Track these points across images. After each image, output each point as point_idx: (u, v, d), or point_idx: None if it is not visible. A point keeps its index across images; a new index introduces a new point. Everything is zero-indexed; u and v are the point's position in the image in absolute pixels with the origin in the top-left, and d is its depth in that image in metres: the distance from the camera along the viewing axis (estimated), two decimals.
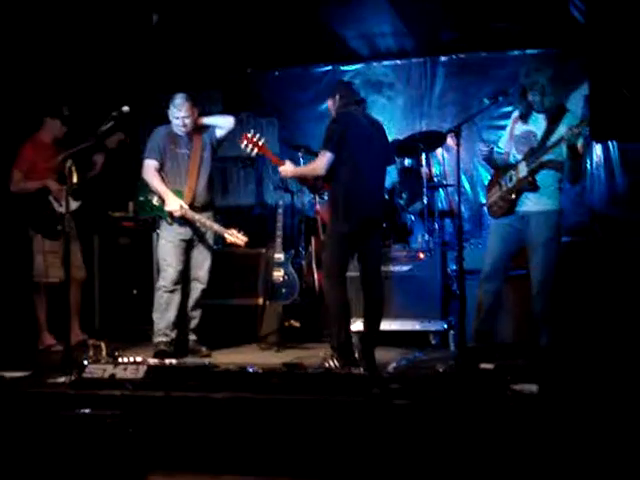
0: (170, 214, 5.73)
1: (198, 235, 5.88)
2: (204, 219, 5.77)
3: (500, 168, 5.24)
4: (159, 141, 5.87)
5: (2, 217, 6.55)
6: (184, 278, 5.88)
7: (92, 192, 6.53)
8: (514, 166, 5.06)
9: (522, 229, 5.04)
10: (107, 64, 7.47)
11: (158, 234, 5.93)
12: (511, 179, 5.07)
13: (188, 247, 5.88)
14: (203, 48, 7.55)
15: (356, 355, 5.08)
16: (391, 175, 5.42)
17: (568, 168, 4.88)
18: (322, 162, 5.07)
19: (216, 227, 5.79)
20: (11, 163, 6.29)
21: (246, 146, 5.60)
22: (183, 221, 5.77)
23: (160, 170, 5.84)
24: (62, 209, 6.19)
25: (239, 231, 5.70)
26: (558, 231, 5.03)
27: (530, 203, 4.99)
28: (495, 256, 5.14)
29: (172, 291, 5.79)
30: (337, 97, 5.30)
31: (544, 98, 4.95)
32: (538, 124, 5.04)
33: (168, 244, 5.82)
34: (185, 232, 5.83)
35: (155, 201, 5.84)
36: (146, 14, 6.78)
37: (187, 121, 5.79)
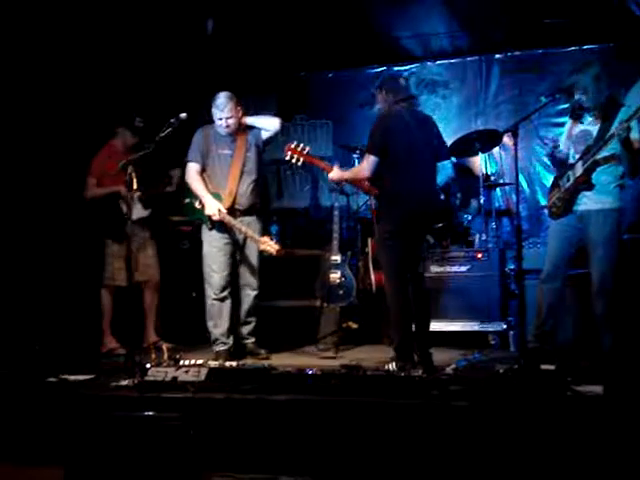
0: (209, 218, 5.67)
1: (243, 238, 5.79)
2: (239, 224, 5.64)
3: (560, 169, 5.20)
4: (201, 142, 5.80)
5: (78, 222, 6.70)
6: (234, 284, 5.84)
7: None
8: (572, 166, 5.03)
9: (582, 229, 4.99)
10: (169, 73, 7.58)
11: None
12: (569, 179, 5.05)
13: (234, 251, 5.81)
14: (257, 52, 7.60)
15: (415, 357, 5.06)
16: (446, 170, 5.35)
17: (626, 163, 4.83)
18: (366, 165, 5.07)
19: (250, 233, 5.63)
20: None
21: (291, 157, 5.57)
22: (224, 225, 5.71)
23: (204, 172, 5.79)
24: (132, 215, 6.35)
25: (272, 239, 5.59)
26: (618, 229, 4.96)
27: (589, 202, 4.95)
28: (555, 256, 5.10)
29: (222, 299, 5.75)
30: (384, 92, 5.22)
31: (588, 97, 4.92)
32: (593, 123, 5.00)
33: (212, 249, 5.75)
34: (229, 236, 5.75)
35: (197, 204, 5.79)
36: (201, 21, 6.87)
37: (230, 122, 5.70)
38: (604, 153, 4.87)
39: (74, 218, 6.67)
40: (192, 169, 5.79)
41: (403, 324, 5.01)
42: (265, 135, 5.91)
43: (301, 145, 5.60)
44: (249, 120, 5.91)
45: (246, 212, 5.81)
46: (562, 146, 5.28)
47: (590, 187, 4.93)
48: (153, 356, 5.03)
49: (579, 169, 4.97)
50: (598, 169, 4.91)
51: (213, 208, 5.62)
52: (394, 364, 4.89)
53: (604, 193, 4.93)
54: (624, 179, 4.96)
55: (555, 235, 5.17)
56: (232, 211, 5.70)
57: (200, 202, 5.74)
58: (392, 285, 5.06)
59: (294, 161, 5.59)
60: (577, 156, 5.04)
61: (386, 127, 5.08)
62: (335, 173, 5.40)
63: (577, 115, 5.10)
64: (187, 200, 5.92)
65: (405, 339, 4.99)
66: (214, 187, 5.75)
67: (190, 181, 5.79)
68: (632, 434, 3.32)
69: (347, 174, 5.46)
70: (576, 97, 5.00)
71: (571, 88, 4.99)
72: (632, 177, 5.06)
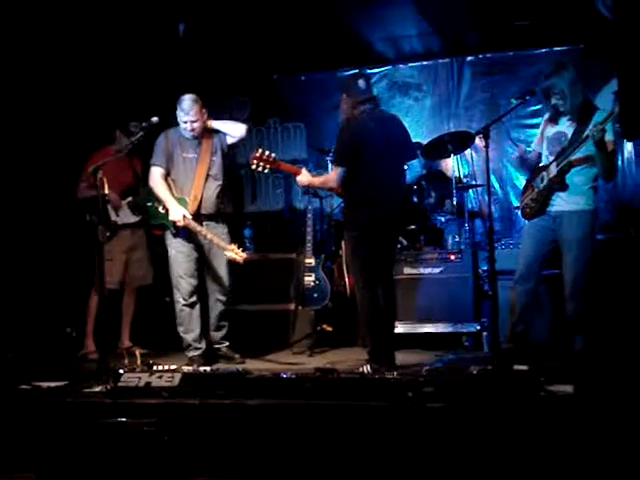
0: (174, 224, 5.55)
1: (209, 243, 5.65)
2: (205, 231, 5.52)
3: (533, 170, 5.23)
4: (165, 146, 5.66)
5: (53, 227, 6.74)
6: (202, 288, 5.76)
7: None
8: (546, 167, 5.06)
9: (555, 229, 5.03)
10: (141, 77, 7.57)
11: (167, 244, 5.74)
12: (542, 180, 5.08)
13: (201, 256, 5.70)
14: (230, 55, 7.58)
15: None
16: (414, 168, 5.35)
17: (600, 164, 4.87)
18: (335, 176, 5.06)
19: (216, 240, 5.47)
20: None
21: (257, 166, 5.37)
22: (189, 230, 5.57)
23: (168, 176, 5.68)
24: (118, 219, 6.32)
25: (239, 247, 5.44)
26: (592, 230, 5.00)
27: (563, 203, 4.99)
28: (528, 257, 5.13)
29: (191, 304, 5.66)
30: (344, 96, 5.16)
31: (565, 101, 4.97)
32: (568, 125, 5.03)
33: (178, 255, 5.65)
34: (195, 241, 5.64)
35: (161, 209, 5.67)
36: (173, 25, 6.83)
37: (195, 125, 5.58)
38: (578, 154, 4.91)
39: (53, 225, 6.63)
40: (156, 173, 5.65)
41: (374, 328, 5.03)
42: (230, 140, 5.81)
43: (266, 152, 5.38)
44: (215, 124, 5.80)
45: (211, 217, 5.71)
46: (534, 146, 5.32)
47: (564, 188, 4.97)
48: (126, 362, 4.99)
49: (553, 170, 5.00)
50: (572, 170, 4.95)
51: (177, 214, 5.49)
52: (368, 367, 4.92)
53: (578, 194, 4.97)
54: (597, 181, 5.01)
55: (528, 236, 5.20)
56: (197, 216, 5.58)
57: (164, 207, 5.63)
58: (361, 290, 5.07)
59: (260, 169, 5.40)
60: (551, 157, 5.08)
61: (350, 135, 5.05)
62: (303, 177, 5.29)
63: (553, 117, 5.14)
64: (149, 204, 5.81)
65: (377, 342, 5.02)
66: (178, 191, 5.65)
67: (154, 185, 5.65)
68: (602, 432, 3.35)
69: (316, 181, 5.43)
70: (553, 101, 5.03)
71: (547, 91, 5.03)
72: (607, 180, 5.11)
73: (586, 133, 4.84)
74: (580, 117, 4.98)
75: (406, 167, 5.38)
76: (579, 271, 4.93)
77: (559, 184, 4.98)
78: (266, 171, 5.47)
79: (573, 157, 4.92)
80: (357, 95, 5.08)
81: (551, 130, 5.16)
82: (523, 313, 5.12)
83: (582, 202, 4.97)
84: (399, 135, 5.20)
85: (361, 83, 5.13)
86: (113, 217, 6.36)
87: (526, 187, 5.33)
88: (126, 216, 6.44)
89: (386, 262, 5.17)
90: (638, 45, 3.81)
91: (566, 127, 5.06)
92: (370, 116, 5.05)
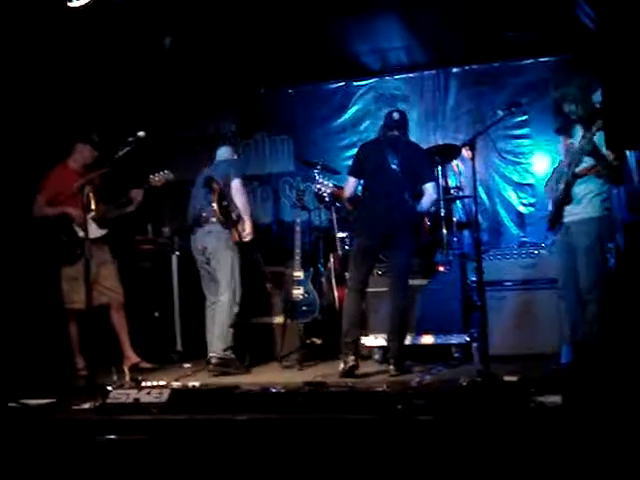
0: None
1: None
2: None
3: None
4: None
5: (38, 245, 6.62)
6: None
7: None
8: (560, 179, 5.11)
9: (570, 240, 5.05)
10: (127, 89, 7.55)
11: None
12: (557, 193, 5.12)
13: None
14: (216, 69, 7.58)
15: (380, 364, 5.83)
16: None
17: (603, 171, 4.89)
18: (345, 185, 5.85)
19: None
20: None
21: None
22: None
23: None
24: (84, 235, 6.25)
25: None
26: (599, 238, 4.98)
27: (569, 213, 5.04)
28: (562, 273, 5.17)
29: (208, 306, 6.17)
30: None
31: (578, 106, 4.97)
32: (578, 135, 5.05)
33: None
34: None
35: None
36: (158, 39, 6.83)
37: None
38: (583, 165, 4.94)
39: (31, 239, 6.56)
40: None
41: (343, 323, 5.55)
42: None
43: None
44: None
45: None
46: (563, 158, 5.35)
47: (570, 200, 5.00)
48: (115, 378, 4.97)
49: (562, 183, 5.04)
50: (578, 180, 4.98)
51: None
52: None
53: (582, 203, 4.99)
54: (604, 188, 5.00)
55: (557, 252, 5.28)
56: None
57: None
58: (347, 291, 5.67)
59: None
60: (566, 169, 5.10)
61: (360, 151, 5.79)
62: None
63: (566, 130, 5.17)
64: None
65: (343, 335, 5.51)
66: None
67: None
68: (590, 443, 3.35)
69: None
70: (565, 108, 5.04)
71: (559, 100, 5.06)
72: (614, 185, 5.12)
73: (577, 147, 4.86)
74: (588, 124, 4.98)
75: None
76: (591, 278, 4.93)
77: (567, 196, 5.01)
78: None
79: (577, 169, 4.95)
80: (385, 124, 5.74)
81: (566, 142, 5.19)
82: (575, 327, 5.10)
83: (587, 210, 4.98)
84: (412, 160, 5.56)
85: (392, 115, 5.74)
86: (80, 233, 6.06)
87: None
88: (93, 231, 6.09)
89: (394, 272, 5.60)
90: (621, 56, 3.84)
91: (576, 138, 5.09)
92: (388, 139, 5.62)
